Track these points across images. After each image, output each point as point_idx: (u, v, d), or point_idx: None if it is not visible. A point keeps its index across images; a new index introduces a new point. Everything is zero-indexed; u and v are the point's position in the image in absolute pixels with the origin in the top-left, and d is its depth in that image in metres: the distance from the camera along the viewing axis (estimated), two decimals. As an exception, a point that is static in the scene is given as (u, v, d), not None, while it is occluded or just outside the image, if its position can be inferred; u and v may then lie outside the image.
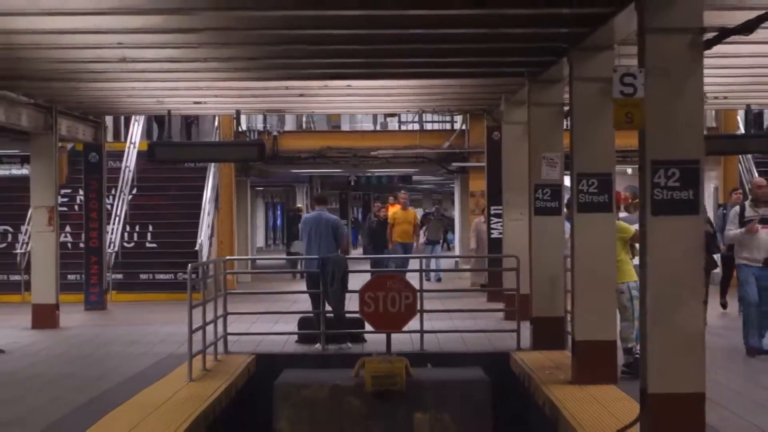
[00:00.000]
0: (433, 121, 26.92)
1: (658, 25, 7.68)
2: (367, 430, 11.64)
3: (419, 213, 32.11)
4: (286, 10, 9.51)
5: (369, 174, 32.15)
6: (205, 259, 20.95)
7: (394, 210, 22.76)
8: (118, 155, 22.79)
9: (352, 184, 35.21)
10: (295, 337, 14.23)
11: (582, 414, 9.01)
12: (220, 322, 13.29)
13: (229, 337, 13.47)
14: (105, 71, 12.93)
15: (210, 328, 12.62)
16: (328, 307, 13.93)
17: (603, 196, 10.45)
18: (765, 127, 22.88)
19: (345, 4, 9.37)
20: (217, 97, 16.22)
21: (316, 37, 10.81)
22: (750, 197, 12.96)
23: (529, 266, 13.33)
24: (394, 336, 12.71)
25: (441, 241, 25.97)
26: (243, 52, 12.00)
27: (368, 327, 13.01)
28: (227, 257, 19.18)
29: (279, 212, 47.55)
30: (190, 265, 12.34)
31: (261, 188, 36.24)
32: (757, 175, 21.57)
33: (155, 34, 10.67)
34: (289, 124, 25.97)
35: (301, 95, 15.94)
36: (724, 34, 7.81)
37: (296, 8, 9.45)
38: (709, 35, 7.80)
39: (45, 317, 16.13)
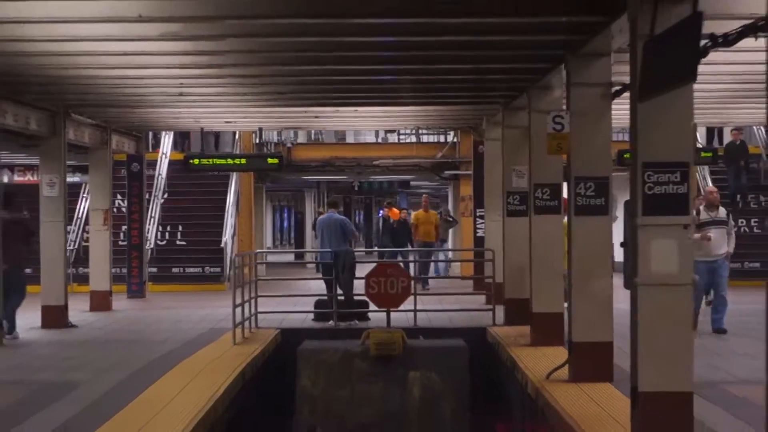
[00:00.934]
0: (428, 134, 30.02)
1: (579, 81, 10.86)
2: (370, 386, 14.76)
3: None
4: (309, 52, 12.47)
5: (371, 180, 35.42)
6: (229, 255, 24.16)
7: (417, 212, 24.64)
8: (151, 164, 25.90)
9: (356, 188, 38.41)
10: (311, 315, 17.37)
11: (531, 363, 12.16)
12: (252, 303, 16.37)
13: (259, 315, 16.59)
14: (163, 102, 16.11)
15: (245, 308, 15.68)
16: (339, 291, 17.13)
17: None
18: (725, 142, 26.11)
19: (355, 47, 12.36)
20: (244, 117, 19.40)
21: (331, 71, 13.82)
22: (704, 202, 15.79)
23: (503, 258, 16.53)
24: (393, 314, 15.89)
25: (447, 239, 28.65)
26: (272, 88, 15.13)
27: (372, 307, 16.22)
28: (257, 251, 22.36)
29: (286, 215, 50.67)
30: (235, 256, 15.42)
31: (269, 192, 39.31)
32: (710, 182, 24.79)
33: (206, 71, 13.76)
34: (301, 137, 29.08)
35: (316, 117, 19.15)
36: (625, 88, 10.93)
37: (316, 50, 12.43)
38: (617, 87, 10.96)
39: (101, 301, 19.31)
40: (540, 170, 13.76)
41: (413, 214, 25.22)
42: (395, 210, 25.34)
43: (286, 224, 50.05)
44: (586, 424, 8.91)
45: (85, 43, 11.37)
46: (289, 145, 27.63)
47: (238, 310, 15.10)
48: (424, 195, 28.04)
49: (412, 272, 18.97)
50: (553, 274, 13.65)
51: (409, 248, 23.31)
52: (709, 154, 23.56)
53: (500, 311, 16.45)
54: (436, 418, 14.45)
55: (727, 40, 7.89)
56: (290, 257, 37.19)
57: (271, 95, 15.69)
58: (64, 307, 16.83)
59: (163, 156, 26.22)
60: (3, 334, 14.79)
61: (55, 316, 16.58)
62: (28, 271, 16.38)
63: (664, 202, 7.93)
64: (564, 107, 11.84)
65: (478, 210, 22.20)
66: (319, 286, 18.41)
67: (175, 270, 24.53)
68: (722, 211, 15.26)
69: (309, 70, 13.69)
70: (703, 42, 7.39)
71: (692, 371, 8.06)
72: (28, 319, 16.38)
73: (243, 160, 21.51)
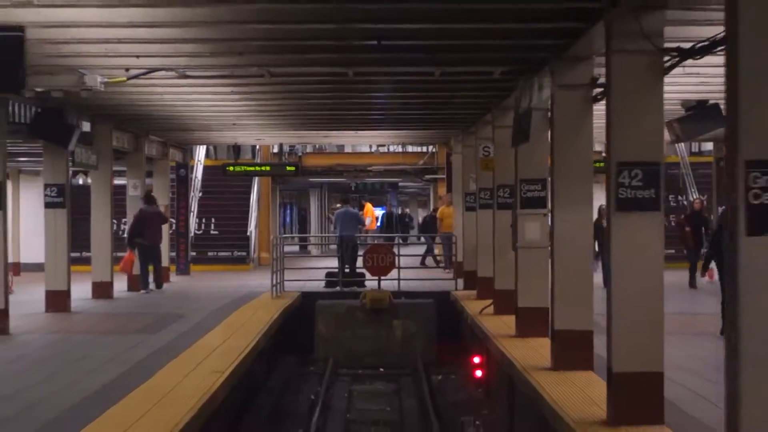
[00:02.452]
0: (412, 145, 36.44)
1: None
2: (366, 329, 21.08)
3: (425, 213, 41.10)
4: (327, 99, 18.66)
5: (365, 181, 41.86)
6: (254, 242, 30.55)
7: (442, 209, 28.86)
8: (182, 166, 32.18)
9: (353, 188, 44.83)
10: (323, 284, 23.65)
11: (472, 307, 18.50)
12: (279, 274, 22.68)
13: (285, 283, 22.88)
14: (216, 128, 22.44)
15: (276, 276, 22.00)
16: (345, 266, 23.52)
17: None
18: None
19: (355, 91, 18.56)
20: (271, 136, 25.74)
21: (338, 107, 19.87)
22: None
23: (462, 242, 22.90)
24: (383, 282, 22.23)
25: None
26: (295, 119, 21.38)
27: (368, 276, 22.57)
28: (283, 235, 28.72)
29: (289, 211, 57.01)
30: (272, 237, 21.81)
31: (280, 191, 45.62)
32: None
33: (252, 109, 19.99)
34: (309, 147, 35.54)
35: (325, 136, 25.55)
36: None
37: (334, 93, 18.59)
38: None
39: (164, 275, 25.61)
40: (502, 175, 19.76)
41: (439, 209, 29.57)
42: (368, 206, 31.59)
43: (288, 219, 56.42)
44: (488, 323, 15.29)
45: (172, 96, 17.55)
46: (300, 154, 34.03)
47: (270, 279, 21.44)
48: (447, 194, 33.40)
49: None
50: (505, 252, 19.85)
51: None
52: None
53: (460, 282, 22.82)
54: (410, 350, 20.79)
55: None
56: (295, 247, 43.69)
57: (294, 123, 22.03)
58: (146, 275, 23.16)
59: (198, 162, 32.52)
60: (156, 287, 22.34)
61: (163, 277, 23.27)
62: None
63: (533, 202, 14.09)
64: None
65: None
66: (326, 266, 24.79)
67: (210, 254, 30.85)
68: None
69: (324, 105, 19.87)
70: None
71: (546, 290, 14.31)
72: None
73: (268, 167, 27.91)
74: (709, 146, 31.07)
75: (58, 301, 18.35)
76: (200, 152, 32.85)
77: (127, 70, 13.57)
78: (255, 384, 16.16)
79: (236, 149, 33.59)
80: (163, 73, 13.70)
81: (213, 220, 31.85)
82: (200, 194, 32.24)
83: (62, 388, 10.85)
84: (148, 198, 22.88)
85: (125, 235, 23.12)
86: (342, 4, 10.03)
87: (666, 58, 9.08)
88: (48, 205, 18.83)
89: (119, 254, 22.58)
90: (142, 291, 22.17)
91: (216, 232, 31.66)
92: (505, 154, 17.00)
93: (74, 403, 10.00)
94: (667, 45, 9.06)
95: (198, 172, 32.44)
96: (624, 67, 8.98)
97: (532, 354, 12.82)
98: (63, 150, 18.08)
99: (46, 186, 18.92)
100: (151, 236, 22.26)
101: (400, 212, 32.20)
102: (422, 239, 30.24)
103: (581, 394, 10.28)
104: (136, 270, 22.34)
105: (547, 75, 12.27)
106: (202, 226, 31.72)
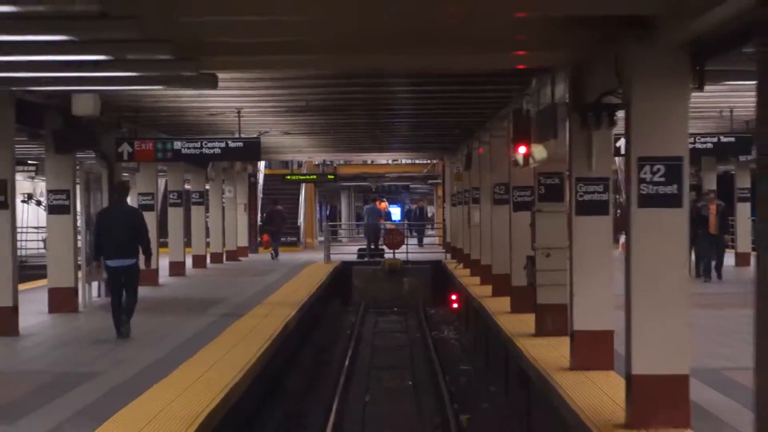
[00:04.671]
0: (418, 159, 47.79)
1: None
2: (386, 284, 32.28)
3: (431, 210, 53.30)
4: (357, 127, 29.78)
5: (384, 184, 53.35)
6: (302, 231, 41.93)
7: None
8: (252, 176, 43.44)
9: (373, 190, 56.26)
10: (355, 257, 34.92)
11: (457, 272, 29.68)
12: (328, 249, 33.91)
13: (332, 256, 34.10)
14: (282, 152, 33.63)
15: (327, 251, 33.24)
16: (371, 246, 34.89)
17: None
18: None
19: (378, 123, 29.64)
20: (317, 153, 37.01)
21: (365, 137, 31.13)
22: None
23: (450, 228, 34.15)
24: (397, 253, 33.46)
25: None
26: (335, 143, 32.53)
27: (387, 250, 33.86)
28: (329, 224, 40.16)
29: (320, 208, 68.43)
30: (323, 224, 33.29)
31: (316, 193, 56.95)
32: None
33: (310, 142, 31.08)
34: (341, 160, 46.89)
35: (358, 155, 36.90)
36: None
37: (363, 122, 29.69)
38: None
39: (239, 254, 36.87)
40: (487, 178, 31.17)
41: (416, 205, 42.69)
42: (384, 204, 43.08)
43: (322, 214, 67.86)
44: (459, 273, 26.45)
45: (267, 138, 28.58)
46: (335, 165, 45.36)
47: (324, 252, 32.77)
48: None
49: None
50: (467, 230, 31.04)
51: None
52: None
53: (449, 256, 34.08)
54: (414, 297, 31.98)
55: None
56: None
57: (333, 146, 33.24)
58: (237, 251, 34.34)
59: (259, 171, 43.81)
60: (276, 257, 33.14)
61: (241, 254, 34.38)
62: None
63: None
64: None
65: (444, 204, 39.77)
66: (357, 245, 36.10)
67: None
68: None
69: (357, 136, 30.93)
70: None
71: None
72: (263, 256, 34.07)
73: (315, 176, 39.17)
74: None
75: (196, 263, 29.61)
76: (261, 164, 44.18)
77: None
78: (323, 304, 27.30)
79: (288, 163, 44.91)
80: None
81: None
82: (262, 196, 43.51)
83: (237, 292, 22.11)
84: (275, 201, 34.15)
85: (260, 224, 35.29)
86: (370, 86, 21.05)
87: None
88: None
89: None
90: (272, 258, 33.99)
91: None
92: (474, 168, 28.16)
93: (251, 295, 21.30)
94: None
95: (260, 179, 43.76)
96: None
97: (486, 290, 23.65)
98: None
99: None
100: (276, 228, 33.93)
101: (415, 207, 44.08)
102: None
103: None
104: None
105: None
106: (265, 220, 42.90)
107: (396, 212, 51.12)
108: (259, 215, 40.53)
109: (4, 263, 15.11)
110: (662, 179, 8.79)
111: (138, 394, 10.49)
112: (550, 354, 12.80)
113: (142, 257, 15.02)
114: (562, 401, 10.33)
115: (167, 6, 9.23)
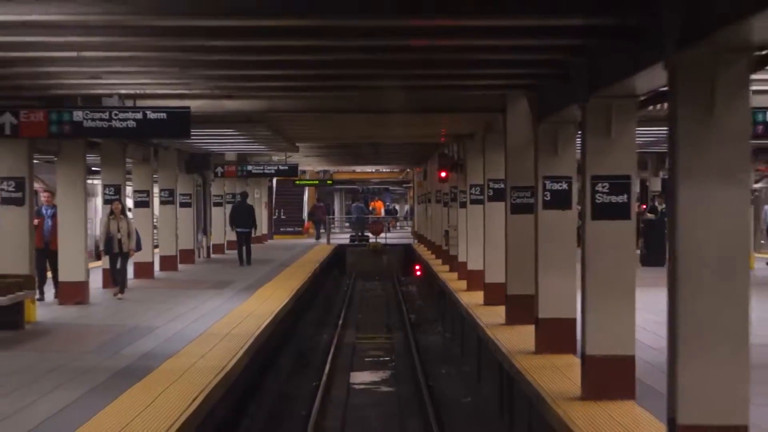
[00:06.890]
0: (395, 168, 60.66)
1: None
2: (371, 259, 45.04)
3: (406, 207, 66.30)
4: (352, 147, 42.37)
5: (368, 187, 66.26)
6: (305, 223, 54.81)
7: (374, 202, 55.83)
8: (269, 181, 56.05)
9: (360, 191, 69.09)
10: (348, 240, 47.72)
11: (424, 254, 42.48)
12: (327, 235, 46.59)
13: (331, 240, 46.84)
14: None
15: (328, 237, 45.97)
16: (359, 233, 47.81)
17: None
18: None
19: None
20: (319, 164, 49.71)
21: (356, 154, 43.61)
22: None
23: (416, 220, 46.95)
24: (380, 238, 46.26)
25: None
26: (331, 158, 45.12)
27: (370, 236, 46.69)
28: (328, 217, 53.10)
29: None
30: (327, 216, 46.34)
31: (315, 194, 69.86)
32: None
33: (317, 161, 43.63)
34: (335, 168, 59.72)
35: (350, 165, 49.75)
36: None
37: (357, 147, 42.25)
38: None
39: (263, 240, 49.51)
40: (429, 187, 43.84)
41: (371, 204, 55.88)
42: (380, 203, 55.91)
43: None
44: (421, 250, 39.27)
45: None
46: (332, 172, 58.15)
47: (326, 237, 45.61)
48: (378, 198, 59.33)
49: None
50: (423, 222, 43.63)
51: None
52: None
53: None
54: (391, 269, 44.65)
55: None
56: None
57: (330, 159, 45.91)
58: (263, 237, 47.09)
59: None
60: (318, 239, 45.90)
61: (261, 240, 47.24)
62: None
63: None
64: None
65: (417, 204, 52.52)
66: (348, 233, 48.97)
67: (281, 229, 54.81)
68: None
69: (348, 153, 43.40)
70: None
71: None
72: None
73: (317, 181, 52.01)
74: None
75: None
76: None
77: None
78: (326, 274, 39.87)
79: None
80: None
81: (282, 210, 55.77)
82: (275, 196, 56.26)
83: (249, 274, 34.92)
84: (318, 199, 47.28)
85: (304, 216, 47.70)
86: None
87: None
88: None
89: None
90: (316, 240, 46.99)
91: (284, 217, 55.58)
92: (430, 175, 40.96)
93: (287, 258, 34.13)
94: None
95: (274, 183, 56.56)
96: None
97: (438, 262, 36.01)
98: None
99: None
100: (320, 216, 46.79)
101: (392, 206, 57.41)
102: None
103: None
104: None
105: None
106: (276, 214, 55.66)
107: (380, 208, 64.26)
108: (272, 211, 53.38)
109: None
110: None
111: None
112: (456, 284, 25.67)
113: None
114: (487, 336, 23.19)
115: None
